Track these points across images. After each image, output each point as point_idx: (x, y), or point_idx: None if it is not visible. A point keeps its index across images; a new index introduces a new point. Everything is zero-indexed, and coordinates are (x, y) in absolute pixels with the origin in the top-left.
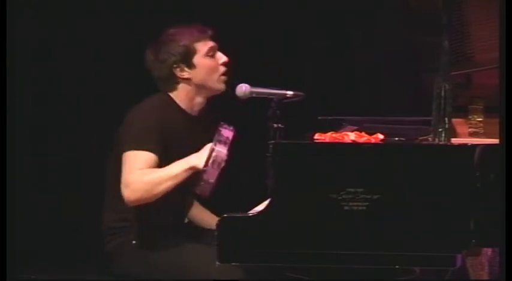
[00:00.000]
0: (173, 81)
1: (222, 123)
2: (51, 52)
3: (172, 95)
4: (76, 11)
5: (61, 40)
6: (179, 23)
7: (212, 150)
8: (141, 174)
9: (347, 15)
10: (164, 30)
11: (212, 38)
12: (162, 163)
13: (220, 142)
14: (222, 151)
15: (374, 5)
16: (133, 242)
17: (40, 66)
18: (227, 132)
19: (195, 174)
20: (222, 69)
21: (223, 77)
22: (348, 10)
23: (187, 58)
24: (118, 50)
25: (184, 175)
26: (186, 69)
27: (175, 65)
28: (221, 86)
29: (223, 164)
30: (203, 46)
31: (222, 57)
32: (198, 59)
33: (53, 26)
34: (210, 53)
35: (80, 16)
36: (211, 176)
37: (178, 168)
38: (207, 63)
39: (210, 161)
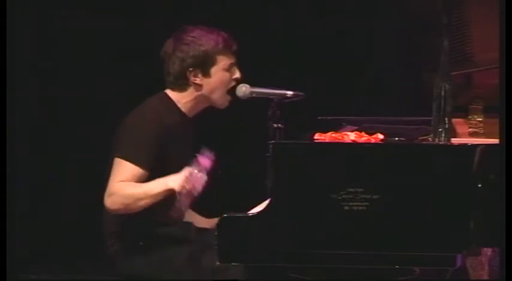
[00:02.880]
0: (183, 83)
1: (202, 150)
2: (51, 52)
3: (176, 95)
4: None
5: (60, 40)
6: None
7: (187, 178)
8: (124, 187)
9: (347, 15)
10: (188, 26)
11: (235, 53)
12: (153, 173)
13: (197, 170)
14: (196, 180)
15: (374, 4)
16: (140, 243)
17: (40, 66)
18: (204, 161)
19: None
20: (232, 83)
21: (228, 96)
22: (348, 10)
23: (205, 66)
24: (118, 50)
25: (162, 195)
26: (200, 75)
27: (190, 69)
28: (225, 104)
29: (197, 192)
30: (224, 60)
31: (236, 73)
32: (215, 71)
33: (52, 26)
34: (228, 67)
35: (78, 16)
36: (183, 204)
37: (158, 188)
38: (222, 76)
39: (185, 188)
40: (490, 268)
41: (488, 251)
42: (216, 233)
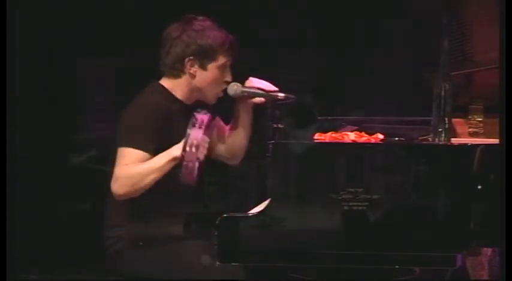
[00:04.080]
0: (178, 69)
1: (198, 109)
2: (51, 52)
3: (170, 83)
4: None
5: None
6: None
7: (188, 135)
8: (127, 168)
9: (347, 14)
10: (198, 16)
11: (234, 57)
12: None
13: (194, 125)
14: (196, 133)
15: (375, 5)
16: (140, 243)
17: (40, 65)
18: (201, 116)
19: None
20: (223, 86)
21: (220, 93)
22: (349, 10)
23: (205, 58)
24: (115, 47)
25: (168, 167)
26: (196, 66)
27: (191, 57)
28: (213, 100)
29: (203, 147)
30: (223, 59)
31: (228, 76)
32: (212, 67)
33: (51, 25)
34: (223, 67)
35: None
36: (189, 159)
37: (161, 160)
38: (216, 75)
39: (187, 146)
40: (490, 268)
41: (488, 251)
42: (216, 233)
